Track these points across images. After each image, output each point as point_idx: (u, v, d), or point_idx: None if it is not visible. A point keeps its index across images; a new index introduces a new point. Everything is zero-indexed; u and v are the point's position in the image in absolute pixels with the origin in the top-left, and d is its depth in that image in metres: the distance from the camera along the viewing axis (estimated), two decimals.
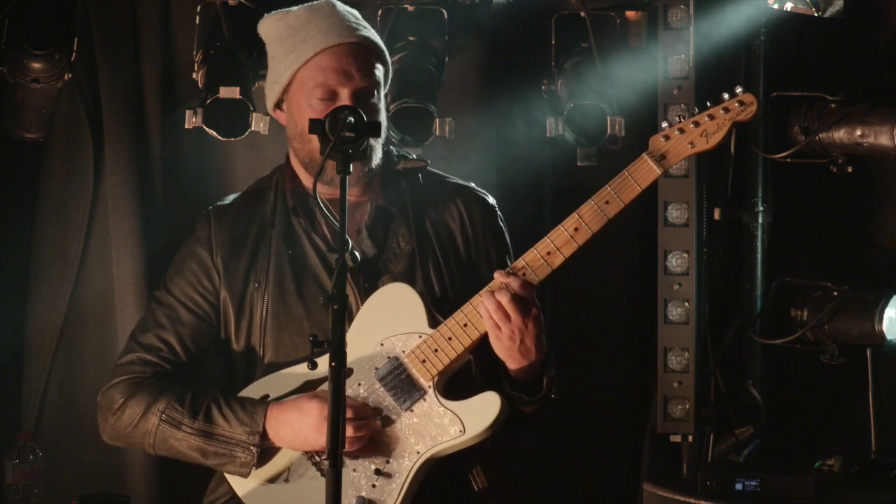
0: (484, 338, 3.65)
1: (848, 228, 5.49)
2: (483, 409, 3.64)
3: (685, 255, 5.27)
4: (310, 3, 3.85)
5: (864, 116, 5.20)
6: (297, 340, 3.78)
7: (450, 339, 3.66)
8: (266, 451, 3.72)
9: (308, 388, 3.74)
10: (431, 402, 3.65)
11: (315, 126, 3.45)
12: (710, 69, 5.22)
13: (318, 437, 3.64)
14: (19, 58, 4.98)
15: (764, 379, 5.46)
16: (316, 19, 3.78)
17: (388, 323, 3.68)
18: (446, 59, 5.16)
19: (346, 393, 3.59)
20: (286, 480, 3.73)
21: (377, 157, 3.79)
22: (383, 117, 3.80)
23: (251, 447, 3.69)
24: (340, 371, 3.23)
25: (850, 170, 5.32)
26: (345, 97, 3.72)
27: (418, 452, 3.64)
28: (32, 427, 5.15)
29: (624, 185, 3.67)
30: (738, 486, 4.73)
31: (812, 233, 5.52)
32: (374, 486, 3.64)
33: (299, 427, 3.66)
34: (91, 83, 5.18)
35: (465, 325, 3.65)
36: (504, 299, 3.57)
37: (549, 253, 3.66)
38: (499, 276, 3.63)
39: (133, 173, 5.19)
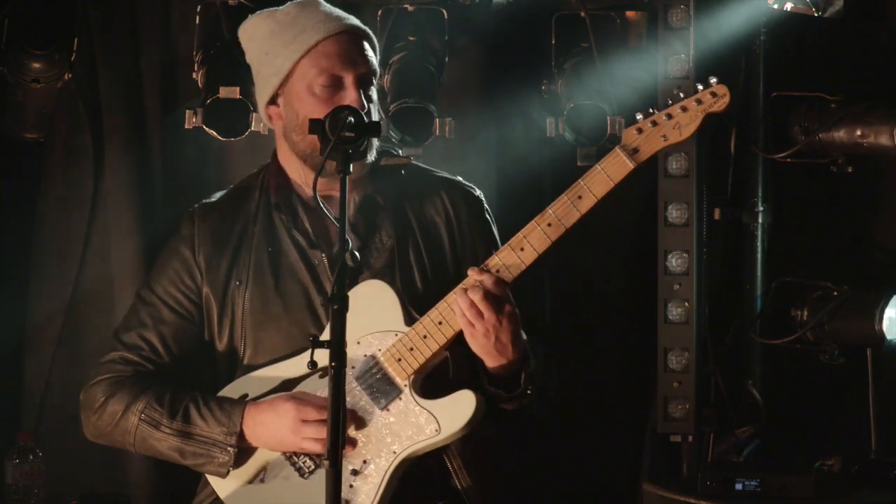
0: (460, 335, 3.63)
1: (848, 228, 5.49)
2: (459, 407, 3.63)
3: (685, 255, 5.27)
4: (294, 2, 3.85)
5: (864, 116, 5.20)
6: (276, 338, 3.77)
7: (425, 336, 3.64)
8: (243, 451, 3.72)
9: (286, 387, 3.73)
10: (407, 401, 3.64)
11: (315, 126, 3.45)
12: (710, 69, 5.19)
13: (293, 438, 3.64)
14: (19, 58, 4.98)
15: (764, 379, 5.45)
16: (308, 13, 3.79)
17: (365, 321, 3.66)
18: (446, 59, 5.16)
19: (323, 393, 3.59)
20: (262, 481, 3.73)
21: (373, 154, 3.80)
22: (374, 111, 3.80)
23: (228, 447, 3.69)
24: (340, 371, 3.22)
25: (850, 170, 5.32)
26: (349, 83, 3.73)
27: (395, 452, 3.62)
28: (32, 427, 5.15)
29: (596, 179, 3.64)
30: (738, 486, 4.73)
31: (812, 233, 5.52)
32: (351, 486, 3.63)
33: (275, 428, 3.65)
34: (91, 83, 5.18)
35: (440, 323, 3.64)
36: (476, 297, 3.56)
37: (522, 249, 3.64)
38: (472, 273, 3.61)
39: (133, 173, 5.19)
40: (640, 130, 3.61)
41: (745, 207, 5.42)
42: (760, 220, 5.42)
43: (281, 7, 3.85)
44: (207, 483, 3.82)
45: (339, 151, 3.39)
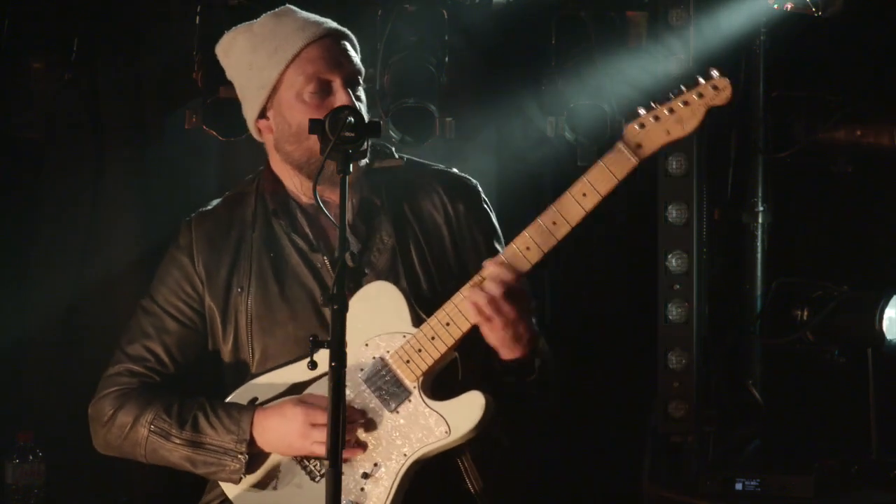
0: (467, 336, 3.62)
1: (848, 228, 5.49)
2: (468, 408, 3.61)
3: (685, 255, 5.26)
4: (268, 13, 3.83)
5: (864, 116, 5.20)
6: (283, 343, 3.75)
7: (433, 338, 3.62)
8: (255, 457, 3.71)
9: (295, 391, 3.71)
10: (417, 403, 3.63)
11: (315, 126, 3.44)
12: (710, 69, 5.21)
13: (302, 442, 3.63)
14: (19, 57, 4.98)
15: (764, 379, 5.45)
16: (285, 21, 3.76)
17: (372, 323, 3.65)
18: (446, 59, 5.16)
19: None
20: (275, 487, 3.72)
21: (368, 155, 3.79)
22: (365, 110, 3.79)
23: (239, 455, 3.68)
24: (340, 371, 3.22)
25: (850, 170, 5.32)
26: (338, 86, 3.70)
27: (405, 455, 3.61)
28: (32, 427, 5.15)
29: (600, 176, 3.60)
30: (738, 486, 4.73)
31: (812, 233, 5.52)
32: (362, 489, 3.62)
33: (284, 433, 3.64)
34: (91, 83, 5.18)
35: (448, 324, 3.61)
36: (497, 291, 3.53)
37: (527, 248, 3.62)
38: (489, 265, 3.58)
39: (133, 173, 5.19)
40: (642, 125, 3.56)
41: (745, 207, 5.42)
42: (760, 220, 5.42)
43: (256, 20, 3.82)
44: (217, 484, 3.81)
45: (339, 151, 3.38)
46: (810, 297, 5.34)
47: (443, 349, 3.61)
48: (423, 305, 3.68)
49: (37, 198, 5.26)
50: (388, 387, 3.63)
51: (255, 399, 3.73)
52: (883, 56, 5.39)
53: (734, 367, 5.43)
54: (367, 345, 3.66)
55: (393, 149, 3.89)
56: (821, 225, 5.50)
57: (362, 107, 3.74)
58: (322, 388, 3.67)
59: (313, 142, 3.57)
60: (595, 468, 5.43)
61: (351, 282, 3.69)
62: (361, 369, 3.64)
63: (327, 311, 3.65)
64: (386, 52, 5.11)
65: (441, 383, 3.67)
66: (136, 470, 5.06)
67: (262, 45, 3.73)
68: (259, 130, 3.82)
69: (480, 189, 3.92)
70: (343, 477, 3.58)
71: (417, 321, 3.65)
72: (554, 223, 3.59)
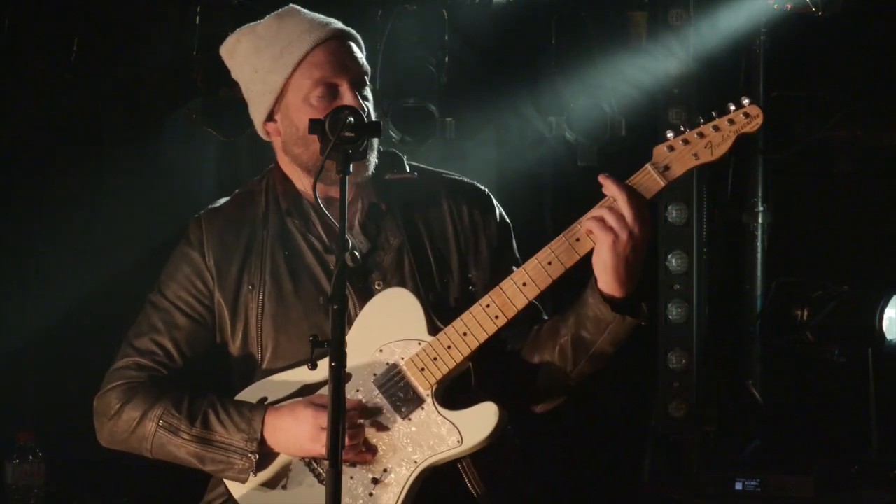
0: (483, 346, 3.61)
1: (848, 228, 5.49)
2: (481, 419, 3.60)
3: (685, 255, 5.27)
4: (272, 14, 3.81)
5: (864, 116, 5.20)
6: (296, 342, 3.74)
7: (449, 347, 3.61)
8: (264, 456, 3.70)
9: (306, 392, 3.70)
10: (429, 411, 3.61)
11: (315, 126, 3.42)
12: (710, 69, 5.22)
13: (312, 445, 3.62)
14: (19, 57, 4.98)
15: (764, 379, 5.45)
16: (290, 23, 3.74)
17: (388, 329, 3.63)
18: (446, 59, 5.16)
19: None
20: (284, 488, 3.71)
21: (374, 156, 3.77)
22: (372, 109, 3.78)
23: (249, 454, 3.67)
24: (340, 371, 3.21)
25: (850, 170, 5.32)
26: (345, 89, 3.69)
27: (416, 462, 3.60)
28: (32, 427, 5.15)
29: None
30: (738, 486, 4.74)
31: (812, 233, 5.52)
32: (370, 494, 3.61)
33: (295, 434, 3.63)
34: (91, 83, 5.18)
35: (465, 334, 3.60)
36: (629, 211, 3.44)
37: (549, 263, 3.61)
38: (610, 184, 3.49)
39: (133, 172, 5.19)
40: (671, 148, 3.53)
41: (745, 207, 5.42)
42: (760, 220, 5.42)
43: (260, 21, 3.81)
44: (219, 483, 3.80)
45: (339, 151, 3.37)
46: (810, 297, 5.34)
47: (459, 359, 3.60)
48: (430, 310, 3.67)
49: (37, 198, 5.25)
50: (401, 393, 3.62)
51: (265, 399, 3.72)
52: (883, 56, 5.39)
53: (734, 367, 5.43)
54: (381, 350, 3.65)
55: (405, 158, 3.87)
56: (821, 225, 5.50)
57: (370, 106, 3.73)
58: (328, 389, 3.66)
59: (319, 145, 3.56)
60: (595, 468, 5.42)
61: (358, 282, 3.69)
62: (375, 374, 3.64)
63: None
64: (386, 52, 5.11)
65: (453, 392, 3.66)
66: (137, 470, 5.07)
67: (267, 48, 3.72)
68: (267, 132, 3.81)
69: (493, 199, 3.89)
70: (352, 481, 3.58)
71: (434, 329, 3.63)
72: (577, 240, 3.58)
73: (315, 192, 3.44)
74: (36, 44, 4.98)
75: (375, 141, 3.73)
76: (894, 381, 5.32)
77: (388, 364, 3.63)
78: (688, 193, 5.26)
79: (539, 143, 5.28)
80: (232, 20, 4.95)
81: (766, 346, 5.44)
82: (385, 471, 3.60)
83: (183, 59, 5.20)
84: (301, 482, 3.67)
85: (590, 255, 3.53)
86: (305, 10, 3.76)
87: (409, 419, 3.61)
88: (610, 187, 3.51)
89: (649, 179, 3.54)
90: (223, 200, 3.91)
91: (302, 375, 3.68)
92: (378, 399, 3.62)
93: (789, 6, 5.24)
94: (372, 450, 3.61)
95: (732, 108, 3.50)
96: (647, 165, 3.53)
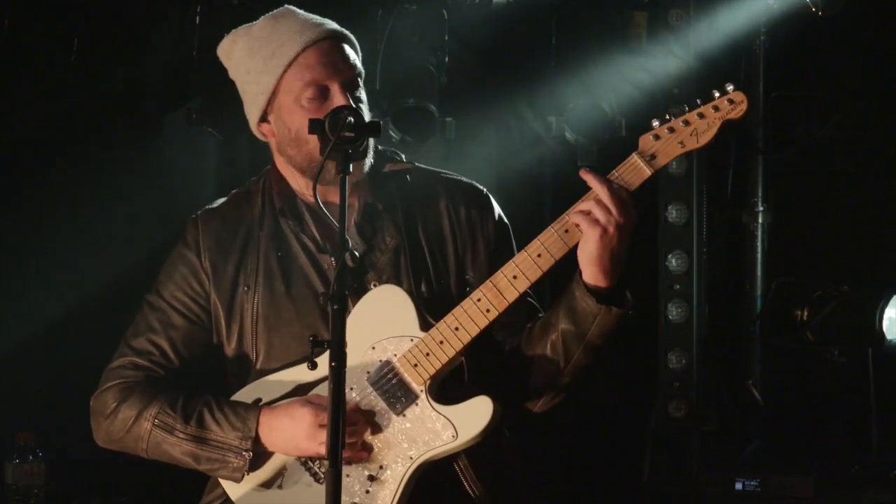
0: (476, 340, 3.61)
1: (848, 228, 5.49)
2: (475, 413, 3.60)
3: (685, 255, 5.27)
4: (267, 14, 3.81)
5: (865, 116, 5.20)
6: (289, 343, 3.75)
7: (441, 342, 3.61)
8: (259, 456, 3.70)
9: (300, 391, 3.71)
10: (424, 407, 3.62)
11: (315, 126, 3.42)
12: (710, 69, 5.22)
13: (309, 444, 3.62)
14: (20, 57, 4.98)
15: (764, 379, 5.46)
16: (283, 24, 3.74)
17: (380, 326, 3.64)
18: (446, 59, 5.16)
19: None
20: (280, 487, 3.71)
21: (371, 157, 3.77)
22: (366, 111, 3.77)
23: (243, 452, 3.67)
24: (340, 371, 3.22)
25: (850, 170, 5.32)
26: (336, 91, 3.69)
27: (411, 458, 3.61)
28: (32, 427, 5.15)
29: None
30: (738, 486, 4.74)
31: (812, 233, 5.52)
32: (367, 491, 3.62)
33: (291, 433, 3.64)
34: (91, 83, 5.18)
35: (457, 329, 3.61)
36: (614, 203, 3.46)
37: (539, 255, 3.62)
38: (591, 178, 3.51)
39: (133, 172, 5.19)
40: (656, 137, 3.57)
41: (745, 207, 5.42)
42: (760, 220, 5.42)
43: (255, 22, 3.81)
44: (216, 485, 3.81)
45: (339, 151, 3.37)
46: (810, 297, 5.34)
47: (451, 353, 3.61)
48: (426, 306, 3.67)
49: (37, 198, 5.26)
50: (395, 390, 3.63)
51: (259, 400, 3.73)
52: (883, 56, 5.39)
53: (734, 367, 5.43)
54: (374, 348, 3.65)
55: (403, 156, 3.88)
56: (821, 225, 5.50)
57: (363, 107, 3.72)
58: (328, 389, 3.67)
59: (314, 146, 3.57)
60: (595, 468, 5.42)
61: (354, 282, 3.69)
62: (368, 372, 3.64)
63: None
64: (386, 52, 5.11)
65: (446, 387, 3.66)
66: (136, 470, 5.07)
67: (260, 49, 3.72)
68: (262, 133, 3.82)
69: (492, 199, 3.89)
70: (349, 479, 3.59)
71: (426, 325, 3.64)
72: (566, 231, 3.58)
73: (315, 192, 3.44)
74: (36, 44, 4.97)
75: (373, 141, 3.73)
76: (894, 381, 5.32)
77: (381, 361, 3.63)
78: (688, 193, 5.26)
79: (539, 143, 5.28)
80: (232, 20, 4.95)
81: (766, 346, 5.44)
82: (381, 467, 3.61)
83: (183, 59, 5.20)
84: (297, 481, 3.67)
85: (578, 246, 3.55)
86: (300, 11, 3.75)
87: (404, 415, 3.61)
88: (591, 182, 3.53)
89: (636, 168, 3.56)
90: (220, 201, 3.91)
91: (296, 375, 3.69)
92: (372, 397, 3.63)
93: (789, 6, 5.24)
94: (368, 447, 3.61)
95: (717, 94, 3.52)
96: (634, 154, 3.55)
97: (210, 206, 3.89)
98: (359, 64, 3.74)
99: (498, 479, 3.72)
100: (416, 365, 3.61)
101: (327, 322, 3.68)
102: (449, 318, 3.60)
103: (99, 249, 5.26)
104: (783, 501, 4.69)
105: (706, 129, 3.55)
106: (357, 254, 3.67)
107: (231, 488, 3.73)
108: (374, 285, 3.71)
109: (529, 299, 3.72)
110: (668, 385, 5.26)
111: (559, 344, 3.62)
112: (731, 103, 3.53)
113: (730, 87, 3.51)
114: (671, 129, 3.56)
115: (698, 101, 3.55)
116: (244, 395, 3.74)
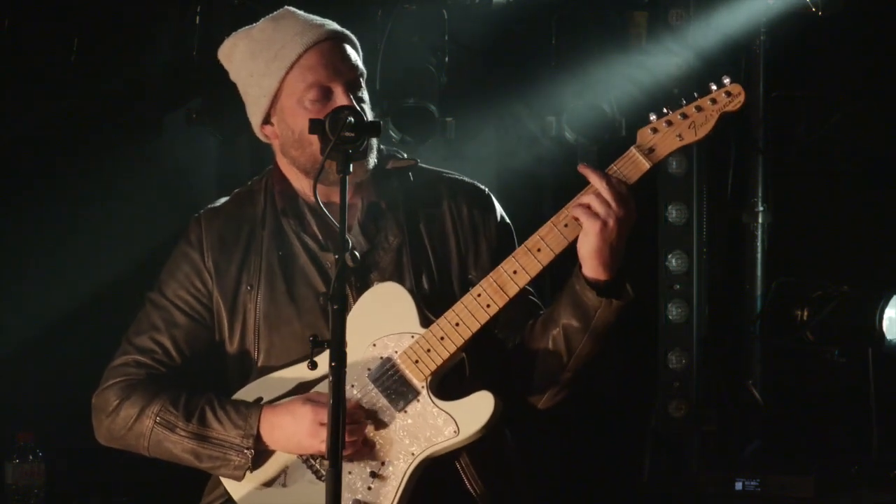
0: (476, 335, 3.62)
1: (848, 228, 5.50)
2: (477, 409, 3.61)
3: (685, 255, 5.27)
4: (267, 16, 3.81)
5: (865, 116, 5.20)
6: (289, 342, 3.75)
7: (442, 338, 3.62)
8: (260, 454, 3.70)
9: (301, 390, 3.72)
10: (425, 403, 3.63)
11: (315, 126, 3.43)
12: (710, 69, 5.22)
13: (311, 441, 3.63)
14: (20, 57, 4.98)
15: (764, 379, 5.46)
16: (284, 26, 3.74)
17: (380, 323, 3.65)
18: (446, 59, 5.16)
19: None
20: (283, 485, 3.71)
21: (374, 157, 3.77)
22: (368, 111, 3.77)
23: (245, 450, 3.68)
24: (341, 371, 3.22)
25: (850, 170, 5.33)
26: (339, 92, 3.69)
27: (413, 454, 3.61)
28: (32, 427, 5.15)
29: None
30: (738, 486, 4.74)
31: (812, 233, 5.52)
32: (369, 488, 3.62)
33: (293, 431, 3.64)
34: (91, 83, 5.19)
35: (457, 325, 3.61)
36: (613, 196, 3.47)
37: (539, 250, 3.62)
38: (591, 173, 3.51)
39: (133, 172, 5.19)
40: (654, 130, 3.57)
41: (745, 207, 5.43)
42: (760, 220, 5.42)
43: (256, 24, 3.81)
44: (218, 485, 3.81)
45: (339, 151, 3.37)
46: (810, 297, 5.34)
47: (452, 349, 3.61)
48: (429, 305, 3.67)
49: (37, 198, 5.26)
50: (396, 386, 3.64)
51: (261, 398, 3.73)
52: (883, 56, 5.39)
53: (734, 367, 5.43)
54: (374, 345, 3.66)
55: (405, 155, 3.88)
56: (821, 225, 5.50)
57: (365, 108, 3.73)
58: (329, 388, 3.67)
59: (317, 147, 3.57)
60: (595, 468, 5.42)
61: (357, 281, 3.69)
62: (369, 369, 3.65)
63: None
64: (386, 52, 5.11)
65: (447, 383, 3.67)
66: (137, 470, 5.07)
67: (262, 52, 3.72)
68: (265, 136, 3.82)
69: (494, 199, 3.89)
70: (351, 476, 3.59)
71: (426, 322, 3.64)
72: (566, 225, 3.59)
73: (315, 193, 3.45)
74: (36, 44, 4.97)
75: (375, 141, 3.73)
76: (894, 381, 5.32)
77: (381, 358, 3.64)
78: (688, 193, 5.27)
79: (538, 142, 5.28)
80: (232, 20, 4.96)
81: (766, 346, 5.44)
82: (383, 464, 3.61)
83: (183, 59, 5.20)
84: (299, 479, 3.68)
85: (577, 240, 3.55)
86: (301, 12, 3.76)
87: (406, 412, 3.62)
88: (590, 176, 3.53)
89: (635, 162, 3.56)
90: (223, 200, 3.91)
91: (298, 374, 3.69)
92: (374, 393, 3.63)
93: (789, 5, 5.24)
94: (369, 444, 3.62)
95: (714, 87, 3.53)
96: (633, 148, 3.56)
97: (213, 205, 3.90)
98: (360, 64, 3.74)
99: (499, 478, 3.73)
100: (417, 361, 3.62)
101: (328, 321, 3.69)
102: (449, 314, 3.60)
103: (99, 249, 5.26)
104: (783, 501, 4.69)
105: (704, 121, 3.55)
106: (357, 254, 3.67)
107: (233, 487, 3.73)
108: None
109: (531, 297, 3.72)
110: (667, 385, 5.26)
111: (561, 338, 3.63)
112: (728, 95, 3.54)
113: (726, 80, 3.52)
114: (669, 123, 3.57)
115: (696, 94, 3.55)
116: (245, 393, 3.74)
